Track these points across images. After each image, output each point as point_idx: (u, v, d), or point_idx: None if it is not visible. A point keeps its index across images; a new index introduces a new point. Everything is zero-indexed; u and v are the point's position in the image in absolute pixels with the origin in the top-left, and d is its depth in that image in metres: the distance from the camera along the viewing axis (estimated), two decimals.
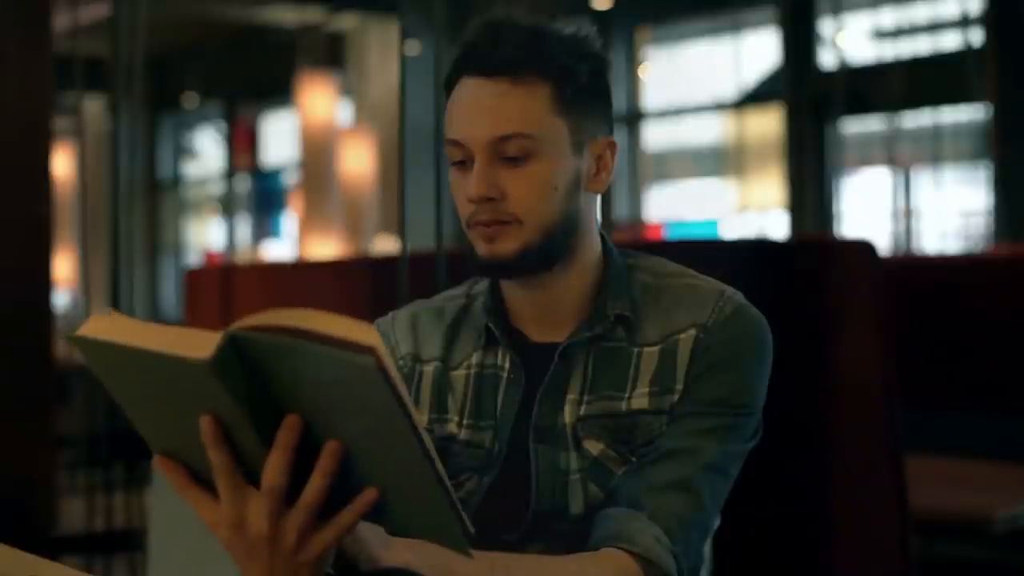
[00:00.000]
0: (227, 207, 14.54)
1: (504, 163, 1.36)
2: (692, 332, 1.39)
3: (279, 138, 14.12)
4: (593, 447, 1.39)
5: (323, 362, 0.99)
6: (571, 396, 1.41)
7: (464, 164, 1.39)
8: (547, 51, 1.37)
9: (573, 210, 1.40)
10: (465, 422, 1.45)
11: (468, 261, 1.42)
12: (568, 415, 1.40)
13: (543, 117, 1.36)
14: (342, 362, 0.98)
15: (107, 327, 1.06)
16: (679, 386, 1.39)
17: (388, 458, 1.05)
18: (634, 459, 1.38)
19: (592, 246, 1.45)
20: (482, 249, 1.38)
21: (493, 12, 1.40)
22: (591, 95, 1.40)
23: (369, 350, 0.96)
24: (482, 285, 1.51)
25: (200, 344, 1.00)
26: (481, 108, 1.36)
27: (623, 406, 1.39)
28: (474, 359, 1.47)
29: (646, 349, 1.41)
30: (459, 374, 1.47)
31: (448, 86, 1.41)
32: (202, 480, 1.11)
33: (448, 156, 1.40)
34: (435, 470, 1.04)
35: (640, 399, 1.39)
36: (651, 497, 1.34)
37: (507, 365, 1.44)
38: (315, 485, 1.05)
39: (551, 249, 1.39)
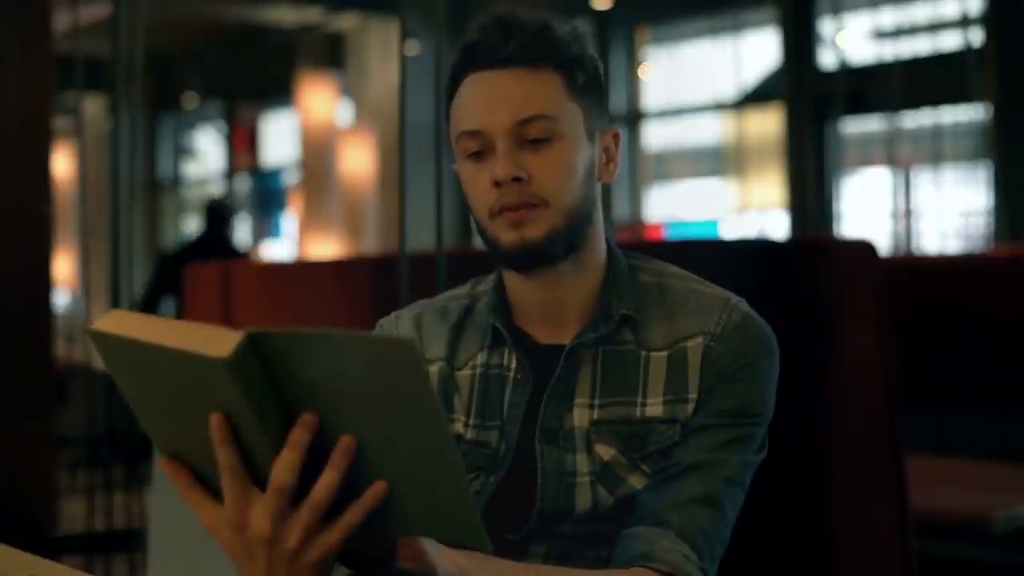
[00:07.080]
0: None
1: (527, 146, 1.37)
2: (700, 340, 1.40)
3: (279, 138, 14.12)
4: (605, 452, 1.39)
5: (355, 349, 1.00)
6: (581, 399, 1.41)
7: (481, 154, 1.38)
8: (558, 42, 1.39)
9: (590, 197, 1.41)
10: (471, 422, 1.44)
11: (490, 254, 1.41)
12: (579, 418, 1.40)
13: (561, 101, 1.38)
14: (379, 346, 0.99)
15: (123, 323, 1.06)
16: (692, 395, 1.39)
17: (408, 452, 1.04)
18: (644, 466, 1.38)
19: (599, 243, 1.45)
20: (509, 236, 1.37)
21: (495, 10, 1.41)
22: (596, 86, 1.43)
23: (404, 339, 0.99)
24: (485, 285, 1.50)
25: (217, 342, 1.00)
26: (500, 95, 1.37)
27: (637, 413, 1.39)
28: (479, 359, 1.46)
29: (654, 354, 1.41)
30: (465, 374, 1.47)
31: (453, 84, 1.41)
32: (204, 483, 1.11)
33: (462, 149, 1.40)
34: (460, 460, 1.04)
35: (654, 407, 1.39)
36: (676, 513, 1.34)
37: (513, 365, 1.44)
38: (325, 483, 1.04)
39: (573, 236, 1.39)
